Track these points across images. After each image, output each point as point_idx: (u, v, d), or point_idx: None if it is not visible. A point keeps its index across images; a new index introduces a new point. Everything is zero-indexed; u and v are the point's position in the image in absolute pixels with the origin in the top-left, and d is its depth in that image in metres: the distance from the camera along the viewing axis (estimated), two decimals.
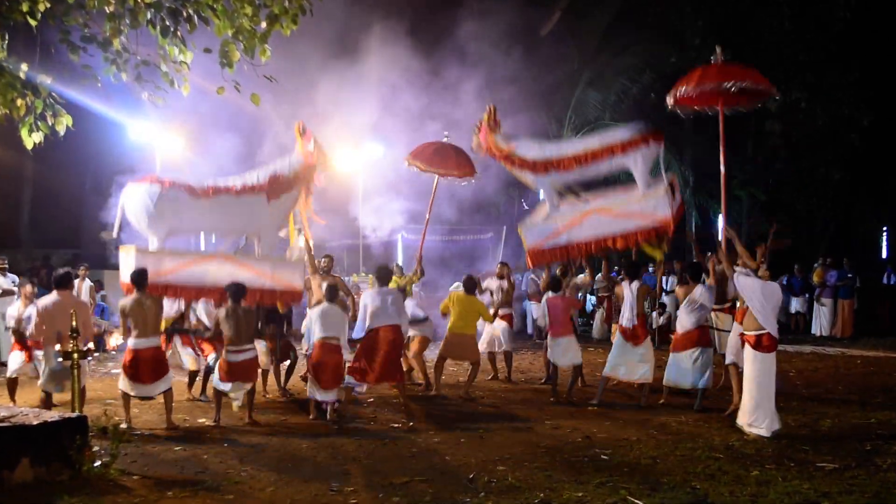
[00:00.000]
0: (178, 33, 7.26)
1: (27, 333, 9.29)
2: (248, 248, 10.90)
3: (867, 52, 22.57)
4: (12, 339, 10.28)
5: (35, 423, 6.72)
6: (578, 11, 22.98)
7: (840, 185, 24.02)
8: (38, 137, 7.19)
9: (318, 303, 9.96)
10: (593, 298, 20.45)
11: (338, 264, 12.12)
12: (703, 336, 10.06)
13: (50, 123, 7.19)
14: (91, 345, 8.18)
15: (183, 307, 10.51)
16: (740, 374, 9.36)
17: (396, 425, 9.24)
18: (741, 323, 9.14)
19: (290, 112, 12.58)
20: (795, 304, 20.59)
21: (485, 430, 8.92)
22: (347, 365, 9.61)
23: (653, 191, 10.67)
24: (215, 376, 9.35)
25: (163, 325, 9.57)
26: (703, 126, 18.16)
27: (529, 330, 19.08)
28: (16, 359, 10.06)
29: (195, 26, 7.27)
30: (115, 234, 10.30)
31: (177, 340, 10.64)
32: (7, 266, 14.34)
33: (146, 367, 8.88)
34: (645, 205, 10.70)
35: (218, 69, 7.47)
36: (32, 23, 6.94)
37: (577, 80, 22.59)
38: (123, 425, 8.66)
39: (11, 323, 10.13)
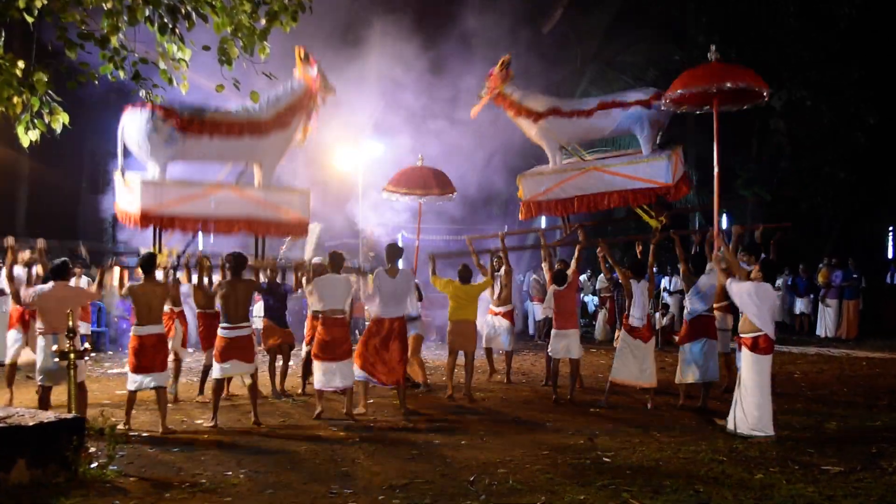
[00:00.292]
0: (177, 30, 7.20)
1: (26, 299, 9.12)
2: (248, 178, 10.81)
3: (872, 50, 22.41)
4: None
5: (31, 423, 6.65)
6: (581, 9, 22.89)
7: (845, 185, 23.87)
8: (34, 135, 7.13)
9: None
10: (595, 299, 20.40)
11: None
12: (710, 326, 10.13)
13: (46, 121, 7.12)
14: (87, 345, 8.10)
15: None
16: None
17: (397, 427, 9.18)
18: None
19: None
20: (800, 305, 20.53)
21: (486, 431, 8.84)
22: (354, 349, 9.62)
23: (656, 156, 10.65)
24: (213, 368, 9.27)
25: (165, 259, 9.50)
26: (707, 125, 18.02)
27: (531, 331, 19.02)
28: (13, 340, 9.93)
29: (194, 23, 7.22)
30: (118, 166, 10.11)
31: (177, 323, 10.53)
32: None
33: (149, 353, 8.79)
34: (647, 169, 10.74)
35: (217, 66, 7.42)
36: (29, 20, 6.88)
37: (579, 79, 22.51)
38: (122, 426, 8.61)
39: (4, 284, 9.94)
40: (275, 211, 10.39)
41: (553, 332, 11.08)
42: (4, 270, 9.49)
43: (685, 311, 10.57)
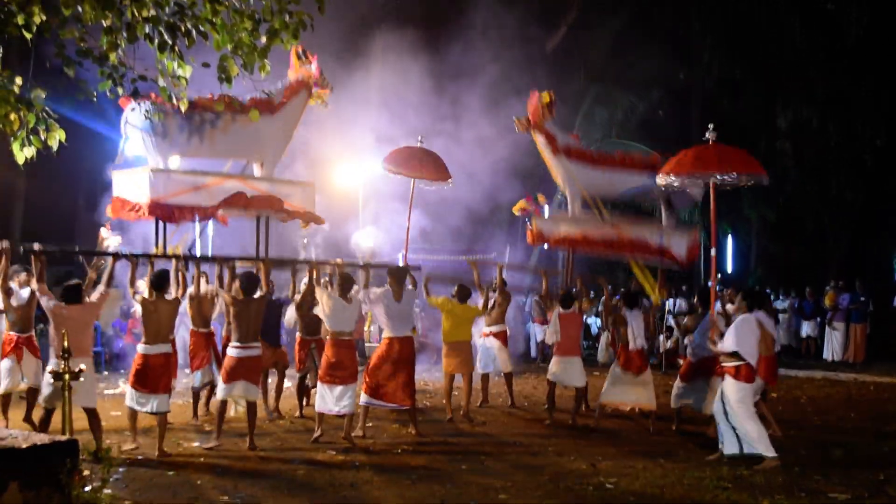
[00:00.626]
0: (177, 48, 7.12)
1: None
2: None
3: (880, 69, 22.31)
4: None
5: (24, 446, 6.52)
6: (585, 27, 22.87)
7: (852, 206, 23.75)
8: (29, 152, 7.03)
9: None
10: (598, 321, 20.23)
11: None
12: (712, 367, 9.90)
13: (42, 138, 7.04)
14: (83, 365, 7.97)
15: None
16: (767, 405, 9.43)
17: (396, 450, 9.03)
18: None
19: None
20: (806, 328, 20.31)
21: (486, 455, 8.72)
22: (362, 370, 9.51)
23: (676, 232, 10.64)
24: (219, 388, 9.12)
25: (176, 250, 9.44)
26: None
27: (533, 353, 18.84)
28: (6, 370, 9.80)
29: (194, 41, 7.13)
30: (119, 161, 9.97)
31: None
32: None
33: (154, 375, 8.64)
34: (665, 241, 10.74)
35: (216, 84, 7.34)
36: (27, 36, 6.81)
37: (583, 97, 22.45)
38: (129, 446, 8.50)
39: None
40: (285, 204, 10.35)
41: (554, 357, 10.88)
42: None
43: (689, 349, 10.35)
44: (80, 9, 6.64)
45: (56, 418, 7.79)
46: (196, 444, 9.20)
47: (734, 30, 22.97)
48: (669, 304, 18.85)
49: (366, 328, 14.82)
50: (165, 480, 7.58)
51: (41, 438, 6.87)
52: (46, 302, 8.50)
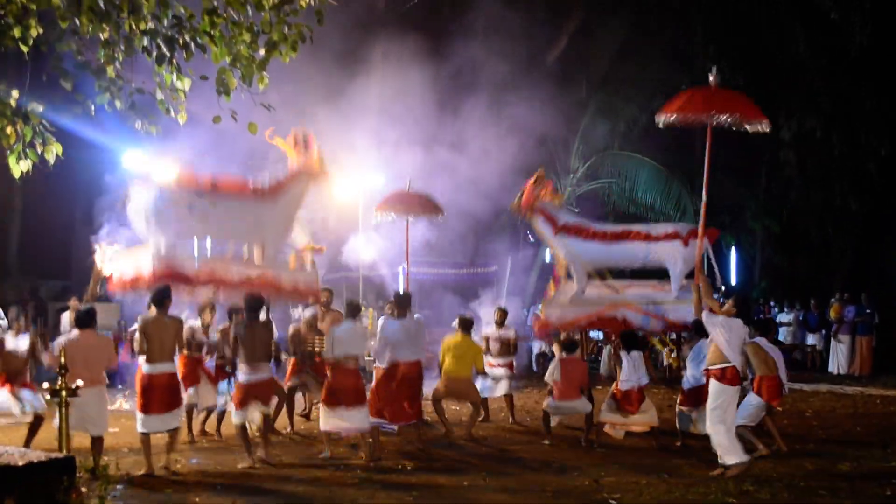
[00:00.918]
0: (175, 61, 7.08)
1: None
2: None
3: (884, 78, 22.24)
4: None
5: (20, 463, 6.45)
6: (586, 38, 22.83)
7: (857, 217, 23.64)
8: (25, 166, 7.00)
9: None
10: (601, 334, 20.10)
11: (337, 297, 11.87)
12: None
13: (39, 151, 7.00)
14: (80, 382, 7.88)
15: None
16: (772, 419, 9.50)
17: (397, 467, 8.93)
18: (757, 391, 9.36)
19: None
20: (812, 341, 20.18)
21: (489, 472, 8.61)
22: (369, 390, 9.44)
23: (682, 300, 10.55)
24: (234, 414, 9.01)
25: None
26: (715, 154, 17.95)
27: (535, 366, 18.69)
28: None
29: (192, 54, 7.09)
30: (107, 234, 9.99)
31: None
32: None
33: (159, 395, 8.52)
34: (671, 310, 10.66)
35: (215, 97, 7.29)
36: (24, 49, 6.78)
37: (585, 108, 22.39)
38: (142, 471, 8.35)
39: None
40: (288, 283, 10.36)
41: (554, 402, 10.54)
42: None
43: (684, 378, 10.24)
44: (77, 21, 6.61)
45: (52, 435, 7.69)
46: (194, 461, 9.11)
47: (737, 39, 22.89)
48: None
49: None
50: (162, 498, 7.49)
51: (37, 455, 6.79)
52: (55, 348, 8.48)
